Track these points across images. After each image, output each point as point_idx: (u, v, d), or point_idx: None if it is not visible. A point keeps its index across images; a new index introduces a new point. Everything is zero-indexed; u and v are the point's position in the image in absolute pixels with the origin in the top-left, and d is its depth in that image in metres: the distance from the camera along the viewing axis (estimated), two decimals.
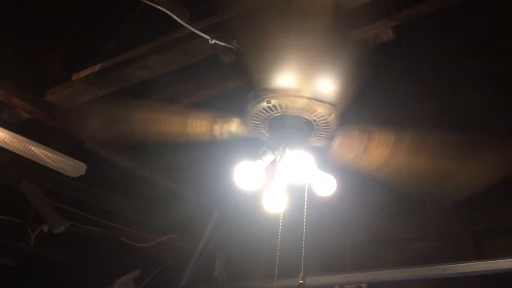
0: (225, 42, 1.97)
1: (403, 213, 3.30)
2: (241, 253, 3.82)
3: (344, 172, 2.17)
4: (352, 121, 2.02)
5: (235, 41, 1.95)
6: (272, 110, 1.96)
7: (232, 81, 2.41)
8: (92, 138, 2.76)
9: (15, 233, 3.88)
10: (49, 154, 2.61)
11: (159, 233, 3.97)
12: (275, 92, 1.88)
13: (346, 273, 3.23)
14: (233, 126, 2.07)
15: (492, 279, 2.82)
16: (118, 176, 3.49)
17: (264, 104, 1.93)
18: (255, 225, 3.57)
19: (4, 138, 2.48)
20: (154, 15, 2.05)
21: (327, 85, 1.85)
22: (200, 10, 2.13)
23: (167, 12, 1.96)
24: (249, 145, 2.16)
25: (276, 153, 2.06)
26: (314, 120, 2.00)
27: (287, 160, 2.02)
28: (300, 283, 2.09)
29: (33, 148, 2.55)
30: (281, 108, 1.94)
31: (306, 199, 2.13)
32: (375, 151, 2.03)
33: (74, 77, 2.57)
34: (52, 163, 2.68)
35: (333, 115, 1.95)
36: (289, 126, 2.00)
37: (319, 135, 2.06)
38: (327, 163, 2.13)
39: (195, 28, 1.99)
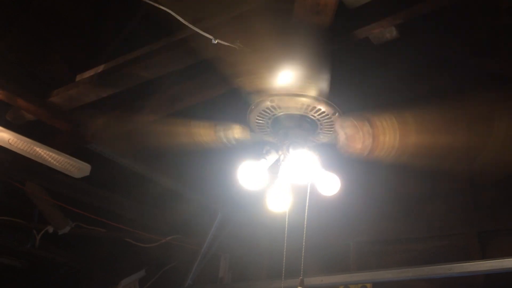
0: (228, 42, 1.96)
1: (408, 213, 3.29)
2: (246, 253, 3.82)
3: (348, 171, 2.16)
4: (350, 112, 2.00)
5: (238, 41, 1.95)
6: (276, 110, 1.96)
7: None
8: (97, 139, 2.77)
9: (20, 234, 3.90)
10: (53, 155, 2.61)
11: (164, 233, 3.97)
12: (278, 91, 1.88)
13: (350, 273, 3.21)
14: (235, 131, 2.08)
15: (497, 279, 2.81)
16: (122, 176, 3.49)
17: (268, 103, 1.93)
18: (259, 225, 3.57)
19: (9, 139, 2.49)
20: (158, 16, 2.06)
21: (328, 83, 1.85)
22: (202, 10, 2.13)
23: (170, 12, 1.96)
24: (253, 145, 2.16)
25: (280, 152, 2.06)
26: (318, 120, 2.00)
27: (290, 160, 2.02)
28: None
29: (37, 149, 2.55)
30: (284, 107, 1.94)
31: (307, 199, 2.13)
32: (383, 137, 2.00)
33: (78, 78, 2.57)
34: (57, 164, 2.68)
35: (336, 113, 1.95)
36: (292, 125, 2.01)
37: (324, 132, 2.05)
38: (332, 161, 2.13)
39: (199, 28, 1.99)
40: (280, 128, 2.03)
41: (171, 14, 1.97)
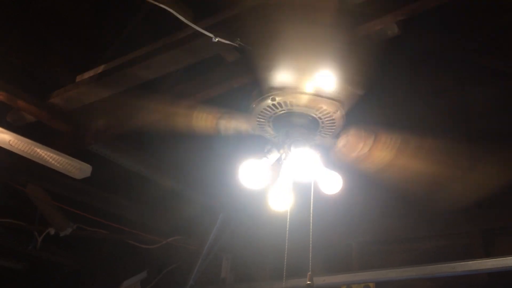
0: (229, 40, 1.96)
1: (410, 212, 3.28)
2: (248, 253, 3.81)
3: (350, 170, 2.15)
4: (357, 119, 2.01)
5: (238, 39, 1.94)
6: (277, 108, 1.95)
7: (237, 79, 2.40)
8: (97, 140, 2.76)
9: (22, 236, 3.89)
10: (54, 156, 2.60)
11: (165, 234, 3.96)
12: (279, 89, 1.87)
13: (353, 273, 3.21)
14: (239, 123, 2.07)
15: (501, 278, 2.80)
16: (123, 177, 3.49)
17: (269, 101, 1.92)
18: (261, 225, 3.56)
19: (10, 140, 2.48)
20: (158, 15, 2.05)
21: (332, 82, 1.84)
22: (203, 9, 2.12)
23: (171, 11, 1.95)
24: (254, 143, 2.15)
25: (282, 151, 2.05)
26: (319, 118, 1.99)
27: (292, 158, 2.01)
28: (308, 283, 2.07)
29: (38, 150, 2.54)
30: (286, 105, 1.93)
31: (312, 197, 2.12)
32: (379, 153, 2.03)
33: (78, 78, 2.57)
34: (58, 165, 2.67)
35: (338, 112, 1.94)
36: (294, 123, 1.99)
37: (325, 132, 2.04)
38: (331, 160, 2.12)
39: (199, 27, 1.99)
40: (282, 127, 2.02)
41: (171, 14, 1.97)
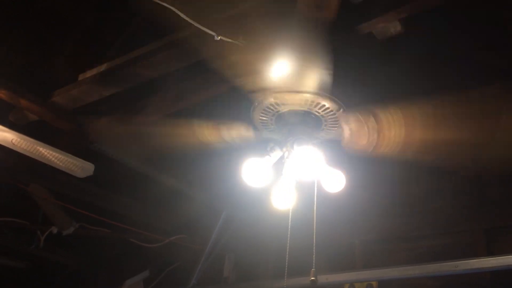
0: (231, 39, 1.95)
1: (413, 210, 3.27)
2: (250, 252, 3.81)
3: (353, 168, 2.14)
4: (350, 107, 1.98)
5: (241, 37, 1.93)
6: (279, 106, 1.95)
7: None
8: (100, 138, 2.76)
9: (24, 235, 3.90)
10: (56, 155, 2.61)
11: (168, 233, 3.96)
12: (281, 87, 1.87)
13: (356, 271, 3.20)
14: (239, 130, 2.07)
15: (504, 276, 2.79)
16: (126, 176, 3.49)
17: (271, 100, 1.92)
18: (264, 223, 3.56)
19: (12, 139, 2.49)
20: (160, 14, 2.05)
21: (332, 79, 1.84)
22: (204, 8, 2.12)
23: (173, 9, 1.95)
24: (257, 143, 2.15)
25: (284, 149, 2.04)
26: (322, 116, 1.98)
27: (295, 156, 2.01)
28: (312, 279, 2.06)
29: (41, 149, 2.55)
30: (288, 103, 1.92)
31: (315, 195, 2.11)
32: (388, 133, 1.97)
33: (80, 77, 2.57)
34: (60, 164, 2.68)
35: (339, 107, 1.93)
36: (296, 121, 1.99)
37: (328, 128, 2.04)
38: (337, 157, 2.11)
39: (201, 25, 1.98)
40: (284, 125, 2.02)
41: (173, 12, 1.97)
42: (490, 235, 3.00)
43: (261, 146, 2.09)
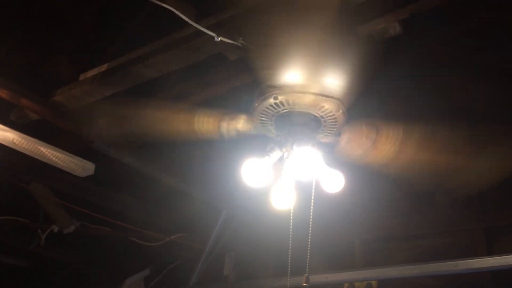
0: (231, 39, 1.96)
1: (413, 210, 3.28)
2: (251, 251, 3.82)
3: (352, 168, 2.15)
4: (359, 116, 2.00)
5: (241, 38, 1.94)
6: (279, 107, 1.95)
7: (239, 78, 2.40)
8: (101, 138, 2.77)
9: (25, 234, 3.91)
10: (57, 154, 2.62)
11: (168, 232, 3.98)
12: (281, 88, 1.87)
13: (356, 270, 3.21)
14: (240, 124, 2.07)
15: (504, 275, 2.80)
16: (126, 175, 3.50)
17: (271, 100, 1.92)
18: (264, 223, 3.56)
19: (13, 139, 2.50)
20: (160, 14, 2.05)
21: (334, 80, 1.84)
22: (205, 9, 2.13)
23: (174, 10, 1.95)
24: (256, 142, 2.15)
25: (284, 149, 2.05)
26: (321, 116, 1.99)
27: (294, 157, 2.01)
28: (304, 285, 2.08)
29: (42, 148, 2.56)
30: (288, 104, 1.93)
31: (313, 196, 2.12)
32: (384, 147, 2.01)
33: (82, 77, 2.57)
34: (61, 163, 2.69)
35: (340, 110, 1.94)
36: (296, 122, 2.00)
37: (327, 131, 2.05)
38: (336, 158, 2.12)
39: (201, 26, 1.99)
40: (285, 125, 2.02)
41: (173, 13, 1.97)
42: (490, 235, 3.01)
43: (261, 146, 2.09)
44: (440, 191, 3.05)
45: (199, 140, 2.17)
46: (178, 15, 1.97)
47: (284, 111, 1.97)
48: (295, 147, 1.99)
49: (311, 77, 1.83)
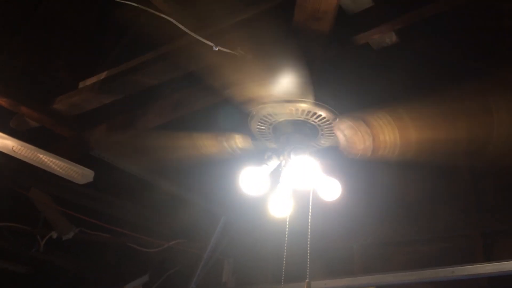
0: (229, 49, 1.97)
1: (411, 215, 3.29)
2: (249, 258, 3.82)
3: (351, 174, 2.16)
4: (349, 113, 1.99)
5: (239, 48, 1.96)
6: (276, 116, 1.97)
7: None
8: (100, 145, 2.78)
9: (25, 240, 3.91)
10: (57, 161, 2.63)
11: (167, 238, 3.98)
12: (277, 97, 1.89)
13: (354, 276, 3.21)
14: (237, 140, 2.09)
15: (501, 282, 2.80)
16: (125, 182, 3.51)
17: (268, 110, 1.94)
18: (262, 230, 3.57)
19: (13, 146, 2.50)
20: (159, 23, 2.07)
21: (328, 89, 1.86)
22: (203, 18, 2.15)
23: (172, 20, 1.97)
24: (256, 151, 2.17)
25: (281, 158, 2.06)
26: (318, 125, 2.01)
27: (292, 165, 2.03)
28: None
29: (41, 156, 2.57)
30: (284, 113, 1.94)
31: (310, 204, 2.13)
32: (383, 137, 1.99)
33: (81, 85, 2.59)
34: (61, 171, 2.70)
35: (335, 116, 1.95)
36: (293, 131, 2.01)
37: (325, 136, 2.06)
38: (334, 165, 2.13)
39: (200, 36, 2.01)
40: (281, 134, 2.04)
41: (172, 22, 1.99)
42: (488, 240, 3.02)
43: (259, 155, 2.11)
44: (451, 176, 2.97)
45: (211, 160, 2.20)
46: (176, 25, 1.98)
47: (281, 119, 1.98)
48: (292, 156, 2.01)
49: (306, 86, 1.84)
